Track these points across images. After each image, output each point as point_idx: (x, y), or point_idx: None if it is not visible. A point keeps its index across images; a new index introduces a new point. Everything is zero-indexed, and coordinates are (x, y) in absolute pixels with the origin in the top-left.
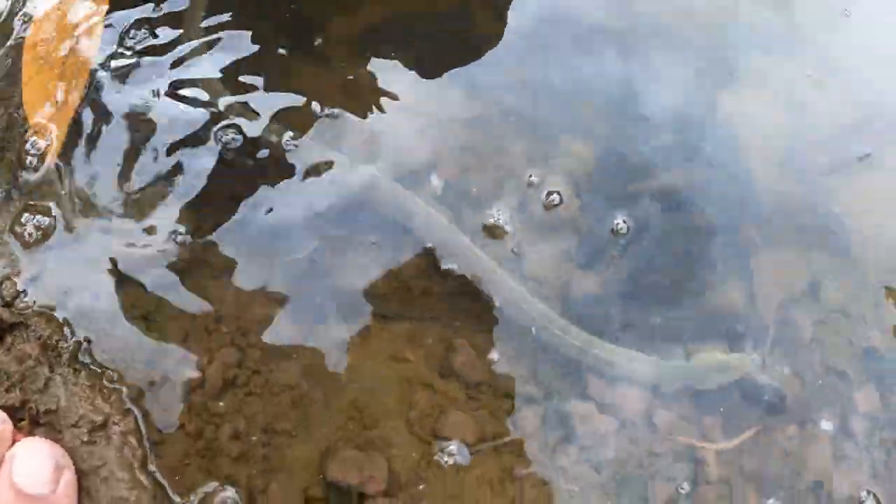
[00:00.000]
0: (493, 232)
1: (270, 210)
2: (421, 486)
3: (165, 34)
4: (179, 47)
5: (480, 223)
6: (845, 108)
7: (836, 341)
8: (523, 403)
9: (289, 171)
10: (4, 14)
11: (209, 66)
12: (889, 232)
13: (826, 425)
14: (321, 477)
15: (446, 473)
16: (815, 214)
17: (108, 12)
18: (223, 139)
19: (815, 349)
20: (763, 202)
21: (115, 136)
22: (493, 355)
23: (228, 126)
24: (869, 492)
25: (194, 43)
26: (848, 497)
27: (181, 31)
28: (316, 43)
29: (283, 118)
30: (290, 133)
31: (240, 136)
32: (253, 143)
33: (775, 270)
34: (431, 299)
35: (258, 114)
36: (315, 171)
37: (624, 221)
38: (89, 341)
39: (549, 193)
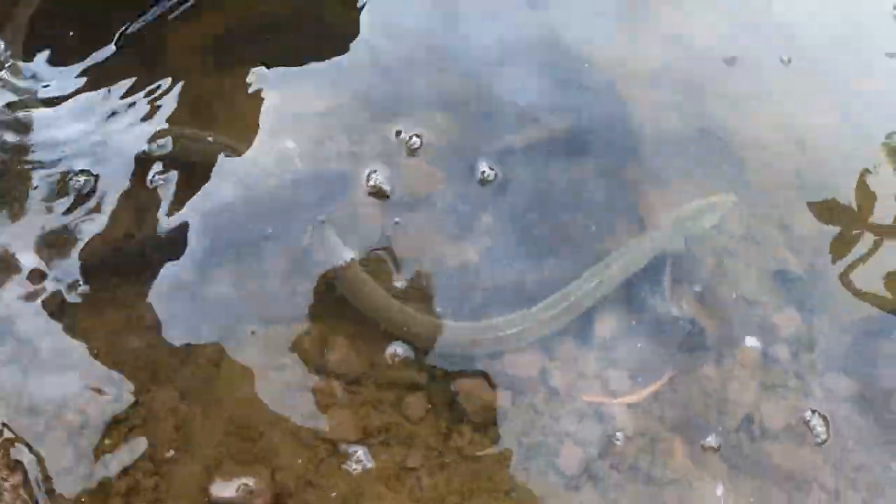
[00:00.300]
0: (378, 194)
1: (133, 239)
2: (312, 492)
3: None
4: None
5: (365, 190)
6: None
7: (746, 269)
8: (407, 391)
9: (150, 199)
10: None
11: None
12: (774, 132)
13: (747, 358)
14: (206, 499)
15: (338, 475)
16: (698, 139)
17: None
18: (76, 186)
19: (724, 281)
20: (643, 137)
21: None
22: (371, 346)
23: (81, 172)
24: (813, 411)
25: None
26: (786, 426)
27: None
28: (163, 56)
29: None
30: (156, 169)
31: (91, 179)
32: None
33: (665, 205)
34: (304, 299)
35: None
36: (181, 193)
37: (490, 168)
38: None
39: (411, 137)
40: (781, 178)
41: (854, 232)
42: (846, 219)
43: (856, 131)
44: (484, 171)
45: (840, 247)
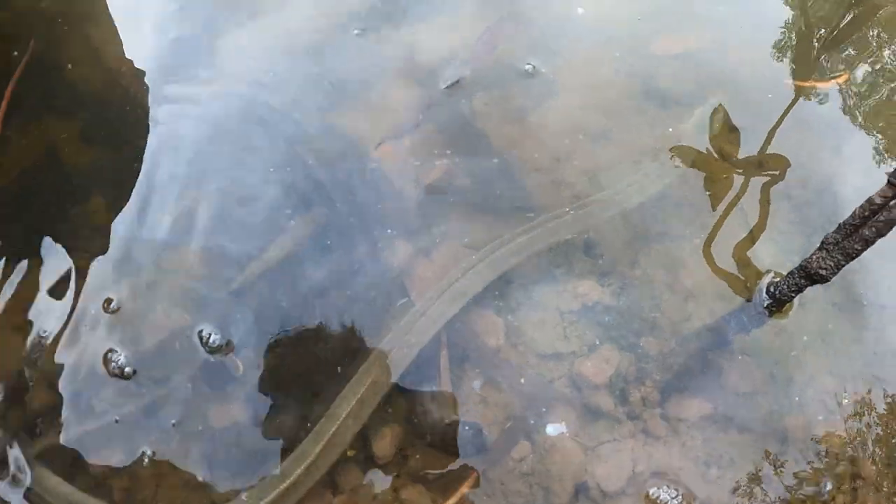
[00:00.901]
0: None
1: None
2: None
3: None
4: None
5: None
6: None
7: (537, 322)
8: None
9: None
10: None
11: None
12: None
13: (558, 426)
14: None
15: None
16: (466, 182)
17: None
18: None
19: (515, 345)
20: (404, 201)
21: None
22: None
23: None
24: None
25: None
26: (630, 477)
27: None
28: None
29: None
30: None
31: None
32: None
33: (434, 280)
34: None
35: None
36: None
37: (211, 334)
38: None
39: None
40: (576, 190)
41: (674, 225)
42: (663, 217)
43: (658, 104)
44: (206, 334)
45: (660, 251)
